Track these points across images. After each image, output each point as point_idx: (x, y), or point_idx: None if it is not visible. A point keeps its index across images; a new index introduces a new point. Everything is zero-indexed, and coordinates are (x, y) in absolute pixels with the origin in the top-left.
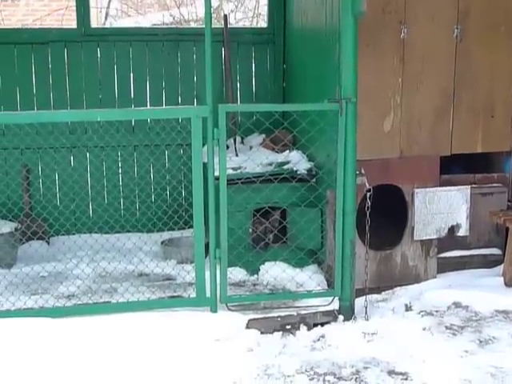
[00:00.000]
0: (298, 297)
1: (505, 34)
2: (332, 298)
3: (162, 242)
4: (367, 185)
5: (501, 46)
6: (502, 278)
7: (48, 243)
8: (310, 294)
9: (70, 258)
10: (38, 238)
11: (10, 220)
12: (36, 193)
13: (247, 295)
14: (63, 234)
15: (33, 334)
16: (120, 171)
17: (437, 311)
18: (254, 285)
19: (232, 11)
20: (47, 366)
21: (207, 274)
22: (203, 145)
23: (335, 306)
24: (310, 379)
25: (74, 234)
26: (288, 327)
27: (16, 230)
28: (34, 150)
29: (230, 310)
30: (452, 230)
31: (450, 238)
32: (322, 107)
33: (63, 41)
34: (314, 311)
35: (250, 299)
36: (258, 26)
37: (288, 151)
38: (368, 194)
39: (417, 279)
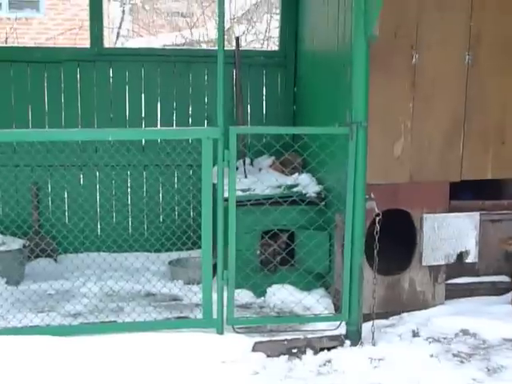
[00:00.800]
0: (305, 320)
1: None
2: (339, 322)
3: (170, 263)
4: (376, 209)
5: None
6: (510, 306)
7: (56, 261)
8: (316, 318)
9: (78, 277)
10: (46, 256)
11: (19, 237)
12: (45, 210)
13: (254, 318)
14: (71, 252)
15: (39, 352)
16: (129, 191)
17: (444, 338)
18: (261, 307)
19: (243, 33)
20: None
21: (214, 295)
22: (213, 166)
23: (342, 330)
24: None
25: (82, 252)
26: (294, 351)
27: (24, 247)
28: (44, 167)
29: (236, 332)
30: (461, 256)
31: (459, 265)
32: (332, 131)
33: (76, 60)
34: (321, 335)
35: (257, 322)
36: (269, 48)
37: (297, 174)
38: (377, 219)
39: (424, 305)
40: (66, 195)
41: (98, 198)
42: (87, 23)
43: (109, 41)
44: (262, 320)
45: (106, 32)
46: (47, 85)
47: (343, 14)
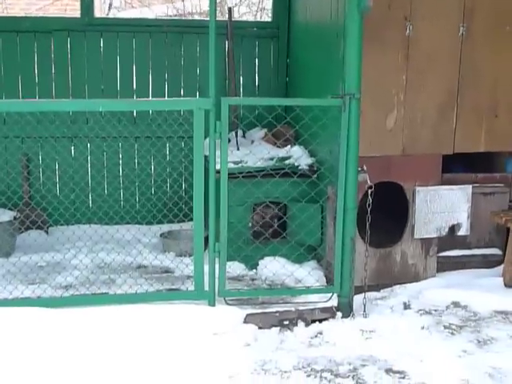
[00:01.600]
0: (297, 293)
1: (510, 34)
2: (331, 294)
3: (161, 235)
4: (369, 182)
5: (506, 45)
6: (501, 279)
7: (47, 233)
8: (308, 290)
9: (69, 249)
10: (36, 228)
11: (9, 209)
12: (36, 182)
13: (245, 290)
14: (62, 224)
15: (30, 324)
16: (121, 162)
17: (435, 310)
18: (253, 279)
19: (236, 5)
20: (43, 357)
21: (206, 267)
22: (205, 137)
23: (334, 302)
24: (306, 375)
25: (73, 224)
26: (286, 323)
27: (15, 218)
28: (34, 139)
29: (227, 304)
30: (452, 229)
31: (451, 238)
32: (325, 103)
33: (66, 30)
34: (313, 307)
35: (249, 294)
36: (262, 19)
37: (290, 146)
38: (369, 191)
39: (416, 278)
40: (56, 167)
41: (89, 169)
42: None
43: (101, 12)
44: (253, 292)
45: (97, 2)
46: (37, 55)
47: None
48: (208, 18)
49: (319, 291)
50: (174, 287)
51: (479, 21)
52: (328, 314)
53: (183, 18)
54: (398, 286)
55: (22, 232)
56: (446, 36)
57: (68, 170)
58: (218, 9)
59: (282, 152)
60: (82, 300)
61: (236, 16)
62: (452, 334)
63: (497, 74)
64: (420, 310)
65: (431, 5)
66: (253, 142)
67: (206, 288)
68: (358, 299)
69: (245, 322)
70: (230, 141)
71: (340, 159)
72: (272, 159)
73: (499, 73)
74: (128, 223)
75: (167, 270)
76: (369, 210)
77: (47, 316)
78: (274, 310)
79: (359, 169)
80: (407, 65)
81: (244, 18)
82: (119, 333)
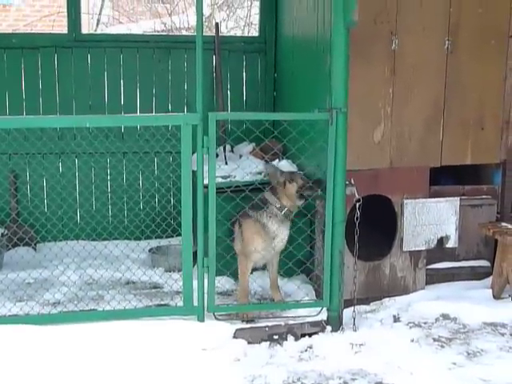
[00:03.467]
0: (286, 307)
1: (495, 48)
2: (320, 308)
3: (150, 250)
4: (357, 195)
5: (491, 59)
6: (490, 291)
7: (35, 249)
8: (298, 305)
9: (57, 265)
10: (24, 244)
11: None
12: (23, 198)
13: (235, 305)
14: (50, 241)
15: (18, 341)
16: (109, 178)
17: (425, 323)
18: None
19: (224, 20)
20: (31, 375)
21: (195, 282)
22: (193, 153)
23: (323, 316)
24: None
25: (60, 240)
26: (275, 337)
27: (2, 235)
28: (21, 155)
29: (217, 319)
30: (441, 241)
31: (439, 250)
32: (312, 117)
33: (53, 46)
34: (302, 321)
35: (238, 309)
36: (249, 34)
37: (278, 160)
38: (357, 205)
39: (405, 290)
40: (44, 183)
41: (76, 185)
42: (65, 9)
43: (89, 27)
44: (242, 307)
45: (86, 19)
46: (24, 71)
47: None
48: (195, 33)
49: (309, 305)
50: (162, 303)
51: (464, 35)
52: (318, 327)
53: (171, 34)
54: (387, 298)
55: (10, 249)
56: (432, 50)
57: (55, 187)
58: (206, 24)
59: None
60: (71, 317)
61: (224, 31)
62: (442, 346)
63: (482, 87)
64: (409, 322)
65: (417, 19)
66: (241, 156)
67: (195, 303)
68: (347, 312)
69: (234, 336)
70: (218, 155)
71: (328, 172)
72: (260, 173)
73: (485, 86)
74: (116, 239)
75: (156, 286)
76: (357, 223)
77: (35, 333)
78: (263, 324)
79: (347, 182)
80: (394, 79)
81: (232, 33)
82: (108, 349)
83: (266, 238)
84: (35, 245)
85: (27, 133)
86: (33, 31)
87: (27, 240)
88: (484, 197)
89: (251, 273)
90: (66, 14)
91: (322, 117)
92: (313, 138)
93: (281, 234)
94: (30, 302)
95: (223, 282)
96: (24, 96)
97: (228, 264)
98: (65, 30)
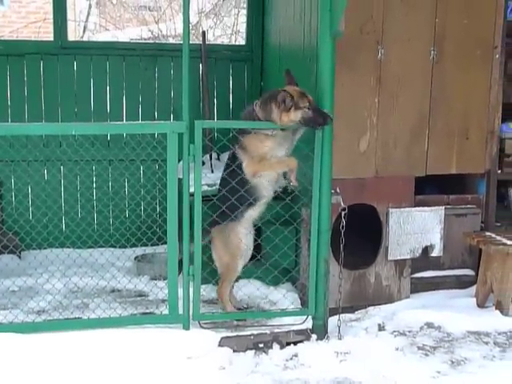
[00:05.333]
0: (272, 315)
1: (480, 58)
2: (306, 316)
3: (136, 258)
4: (342, 204)
5: (476, 69)
6: (474, 299)
7: (19, 257)
8: (283, 313)
9: (41, 273)
10: (8, 252)
11: None
12: (7, 206)
13: (220, 313)
14: (35, 248)
15: (1, 350)
16: (94, 186)
17: (410, 331)
18: None
19: (211, 28)
20: (14, 383)
21: (180, 290)
22: (179, 161)
23: (308, 324)
24: None
25: (45, 248)
26: (261, 346)
27: None
28: (6, 162)
29: (202, 327)
30: (426, 250)
31: (424, 259)
32: (296, 127)
33: (39, 53)
34: (287, 330)
35: (223, 317)
36: (237, 43)
37: None
38: (343, 213)
39: (390, 299)
40: (29, 190)
41: (62, 193)
42: (51, 16)
43: (75, 35)
44: (228, 315)
45: (72, 26)
46: (9, 78)
47: (309, 9)
48: (182, 41)
49: (294, 314)
50: (148, 311)
51: (450, 45)
52: (303, 336)
53: (157, 41)
54: (372, 307)
55: None
56: (418, 60)
57: (41, 194)
58: (193, 32)
59: None
60: (55, 325)
61: (211, 39)
62: (426, 354)
63: (467, 97)
64: (394, 331)
65: (403, 29)
66: None
67: (181, 311)
68: (332, 321)
69: (220, 345)
70: (204, 163)
71: (313, 181)
72: None
73: (470, 96)
74: (101, 247)
75: (141, 294)
76: (342, 231)
77: (19, 342)
78: (248, 332)
79: (332, 191)
80: (379, 88)
81: (219, 41)
82: (93, 358)
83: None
84: (20, 252)
85: (12, 140)
86: (18, 38)
87: (12, 248)
88: (469, 206)
89: (237, 281)
90: (52, 20)
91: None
92: (299, 147)
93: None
94: (15, 310)
95: (208, 290)
96: (9, 103)
97: (213, 272)
98: (51, 37)
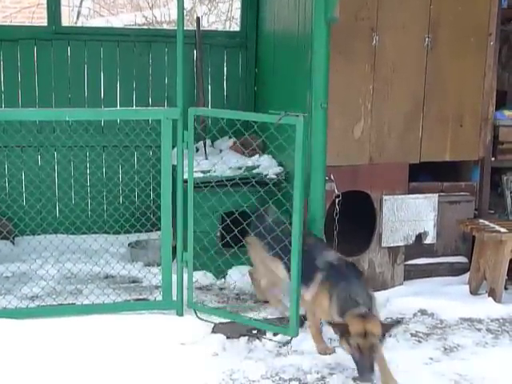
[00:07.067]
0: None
1: (474, 45)
2: None
3: (129, 244)
4: (336, 191)
5: (470, 56)
6: (467, 286)
7: (13, 243)
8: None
9: (35, 259)
10: (2, 238)
11: None
12: (1, 192)
13: (212, 307)
14: (28, 234)
15: None
16: (88, 172)
17: (403, 318)
18: (221, 289)
19: (205, 14)
20: (8, 369)
21: (174, 277)
22: (173, 147)
23: (302, 310)
24: None
25: (39, 234)
26: (254, 332)
27: None
28: (0, 148)
29: (196, 314)
30: (419, 237)
31: (418, 246)
32: (290, 121)
33: (33, 38)
34: (281, 316)
35: (216, 312)
36: (231, 29)
37: (258, 155)
38: (337, 200)
39: (383, 286)
40: (22, 176)
41: (55, 179)
42: (45, 1)
43: (69, 20)
44: (221, 312)
45: (66, 11)
46: (3, 63)
47: None
48: (176, 28)
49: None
50: (141, 297)
51: (444, 32)
52: None
53: (151, 27)
54: None
55: None
56: (412, 47)
57: (34, 180)
58: (187, 18)
59: (250, 161)
60: (49, 311)
61: (205, 25)
62: (419, 341)
63: (462, 84)
64: (387, 317)
65: (397, 16)
66: (221, 151)
67: (174, 298)
68: None
69: (213, 331)
70: (198, 150)
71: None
72: (240, 168)
73: (464, 83)
74: (95, 233)
75: (135, 280)
76: (336, 218)
77: (13, 327)
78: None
79: (326, 178)
80: (374, 75)
81: (213, 27)
82: (86, 344)
83: None
84: (13, 238)
85: (6, 125)
86: (12, 23)
87: (5, 234)
88: (462, 193)
89: (230, 267)
90: (45, 6)
91: (290, 121)
92: (291, 136)
93: None
94: (8, 296)
95: (202, 277)
96: (3, 88)
97: (208, 259)
98: (44, 23)
